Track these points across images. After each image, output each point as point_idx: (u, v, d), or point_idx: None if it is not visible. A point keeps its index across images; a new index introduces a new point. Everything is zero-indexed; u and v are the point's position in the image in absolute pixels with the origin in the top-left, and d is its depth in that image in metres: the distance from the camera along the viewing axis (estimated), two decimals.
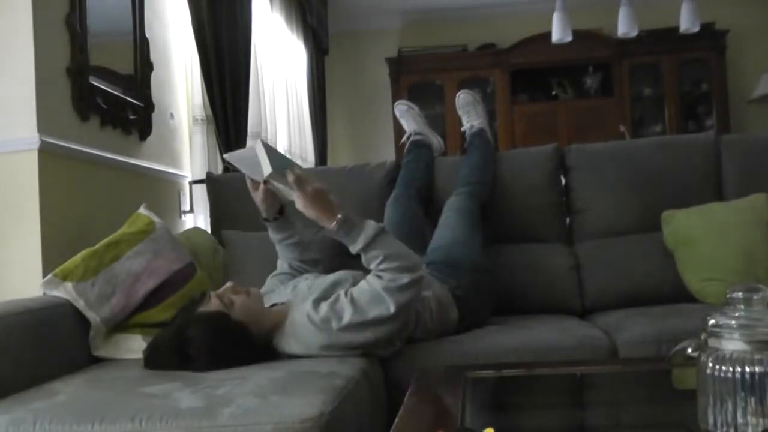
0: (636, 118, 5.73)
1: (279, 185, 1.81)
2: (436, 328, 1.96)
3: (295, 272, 2.09)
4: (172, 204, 2.86)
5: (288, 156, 1.90)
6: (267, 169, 1.74)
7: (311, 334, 1.67)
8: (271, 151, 1.78)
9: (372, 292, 1.68)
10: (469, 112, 2.80)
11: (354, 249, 1.71)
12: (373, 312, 1.66)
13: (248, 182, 1.92)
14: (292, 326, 1.70)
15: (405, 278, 1.68)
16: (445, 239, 2.28)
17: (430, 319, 1.94)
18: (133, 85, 2.57)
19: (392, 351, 1.83)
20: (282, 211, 2.02)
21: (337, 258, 2.14)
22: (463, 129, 2.81)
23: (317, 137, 4.93)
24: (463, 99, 2.83)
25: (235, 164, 1.94)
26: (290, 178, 1.73)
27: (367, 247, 1.69)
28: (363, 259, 1.72)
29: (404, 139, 2.79)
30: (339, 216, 1.70)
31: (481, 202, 2.42)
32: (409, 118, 2.82)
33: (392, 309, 1.66)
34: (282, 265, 2.12)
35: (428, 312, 1.94)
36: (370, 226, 1.71)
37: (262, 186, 1.89)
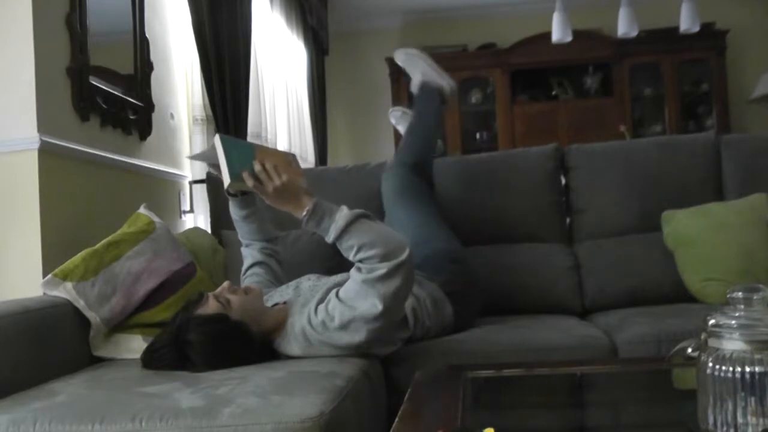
0: (636, 118, 5.73)
1: (244, 187, 1.73)
2: (435, 325, 1.96)
3: (267, 258, 2.08)
4: (172, 204, 2.86)
5: (249, 144, 1.80)
6: (226, 179, 1.67)
7: (312, 338, 1.67)
8: (232, 147, 1.70)
9: (356, 287, 1.64)
10: (411, 70, 2.66)
11: (328, 240, 1.66)
12: (361, 307, 1.62)
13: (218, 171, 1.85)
14: (293, 329, 1.69)
15: (382, 269, 1.60)
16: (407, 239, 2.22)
17: (427, 317, 1.94)
18: (133, 85, 2.57)
19: (392, 350, 1.83)
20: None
21: (335, 258, 2.14)
22: (411, 89, 2.71)
23: (317, 137, 4.94)
24: (399, 60, 2.70)
25: (228, 181, 1.87)
26: (250, 183, 1.67)
27: (339, 238, 1.63)
28: (340, 249, 1.66)
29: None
30: (308, 207, 1.64)
31: (411, 165, 2.35)
32: (404, 123, 2.82)
33: (379, 306, 1.61)
34: (253, 254, 2.09)
35: (425, 310, 1.94)
36: (342, 216, 1.63)
37: None
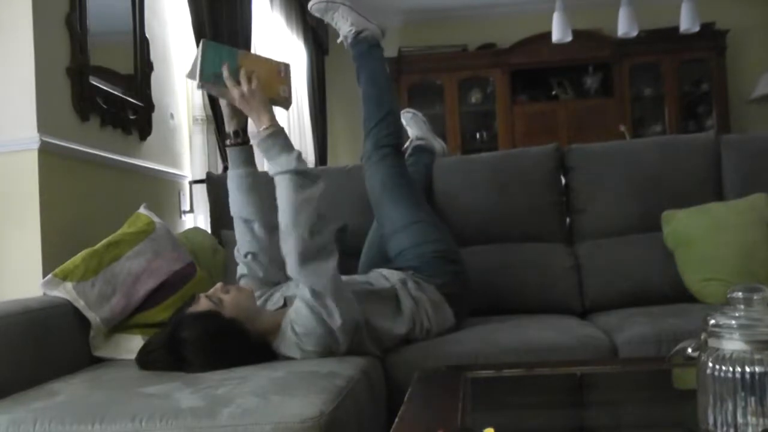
0: (636, 118, 5.73)
1: (213, 89, 1.74)
2: (435, 327, 1.96)
3: (252, 269, 2.01)
4: (172, 204, 2.86)
5: (233, 50, 1.80)
6: (196, 77, 1.69)
7: (303, 336, 1.67)
8: (211, 50, 1.71)
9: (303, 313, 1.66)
10: (334, 20, 2.39)
11: (270, 172, 1.70)
12: (319, 329, 1.64)
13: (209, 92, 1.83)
14: (288, 331, 1.69)
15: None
16: (403, 243, 2.15)
17: (426, 319, 1.94)
18: (133, 85, 2.57)
19: (388, 346, 1.84)
20: (246, 139, 1.96)
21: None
22: (339, 41, 2.43)
23: (317, 137, 4.94)
24: (317, 11, 2.42)
25: (198, 80, 1.77)
26: (225, 73, 1.69)
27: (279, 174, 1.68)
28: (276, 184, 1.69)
29: (406, 144, 2.78)
30: (266, 125, 1.69)
31: (394, 146, 2.27)
32: (413, 124, 2.80)
33: (338, 320, 1.64)
34: (242, 263, 2.02)
35: (424, 313, 1.94)
36: (294, 157, 1.68)
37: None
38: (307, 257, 1.64)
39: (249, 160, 1.97)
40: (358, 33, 2.33)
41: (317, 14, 2.43)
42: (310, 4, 2.43)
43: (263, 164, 1.81)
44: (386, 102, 2.31)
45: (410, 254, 2.10)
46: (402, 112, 2.75)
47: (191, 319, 1.64)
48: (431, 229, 2.18)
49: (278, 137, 1.70)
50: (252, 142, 1.80)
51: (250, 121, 1.83)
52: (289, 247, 1.65)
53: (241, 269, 2.01)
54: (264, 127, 1.70)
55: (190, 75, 1.75)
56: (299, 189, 1.67)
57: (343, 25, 2.36)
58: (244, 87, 1.70)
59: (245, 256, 1.99)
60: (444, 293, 2.02)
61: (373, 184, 2.28)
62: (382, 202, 2.25)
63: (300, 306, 1.66)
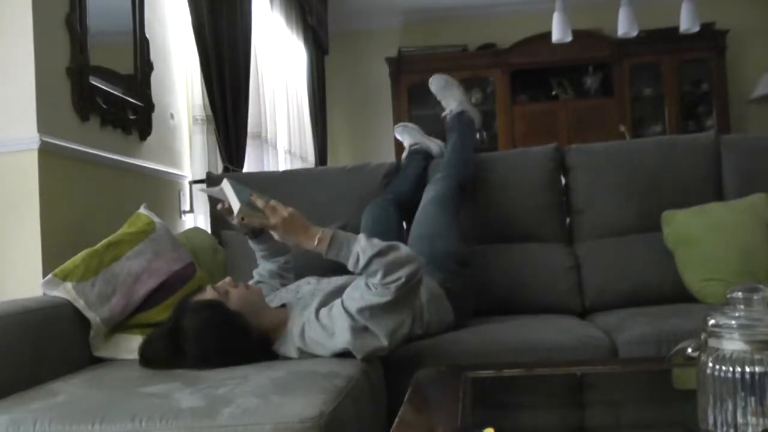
0: (636, 118, 5.73)
1: (253, 218, 1.76)
2: (434, 319, 1.97)
3: (271, 279, 2.08)
4: (172, 204, 2.86)
5: (246, 186, 1.86)
6: (236, 206, 1.70)
7: (308, 340, 1.67)
8: (238, 189, 1.76)
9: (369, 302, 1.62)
10: (445, 97, 2.78)
11: (354, 269, 1.63)
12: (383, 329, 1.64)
13: (224, 212, 1.85)
14: (292, 332, 1.70)
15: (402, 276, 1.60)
16: (426, 230, 2.25)
17: (427, 312, 1.94)
18: (133, 85, 2.57)
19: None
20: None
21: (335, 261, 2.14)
22: (444, 114, 2.79)
23: (317, 137, 4.94)
24: (435, 85, 2.79)
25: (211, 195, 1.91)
26: (260, 204, 1.68)
27: (366, 266, 1.60)
28: (363, 273, 1.64)
29: (404, 154, 2.82)
30: (318, 236, 1.62)
31: (459, 183, 2.41)
32: (406, 135, 2.87)
33: (384, 341, 1.64)
34: (260, 273, 2.10)
35: (424, 306, 1.94)
36: (363, 245, 1.60)
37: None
38: (392, 324, 1.64)
39: (267, 238, 2.01)
40: (461, 112, 2.70)
41: (433, 88, 2.79)
42: (431, 80, 2.79)
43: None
44: (463, 162, 2.54)
45: (423, 245, 2.16)
46: (395, 128, 2.98)
47: (194, 308, 1.65)
48: (452, 234, 2.26)
49: (337, 240, 1.63)
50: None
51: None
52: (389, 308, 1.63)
53: (257, 278, 2.08)
54: (317, 242, 1.63)
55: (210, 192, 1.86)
56: (390, 266, 1.59)
57: (451, 103, 2.75)
58: (284, 212, 1.65)
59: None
60: (444, 287, 2.04)
61: (432, 190, 2.41)
62: (431, 202, 2.36)
63: (342, 320, 1.64)
